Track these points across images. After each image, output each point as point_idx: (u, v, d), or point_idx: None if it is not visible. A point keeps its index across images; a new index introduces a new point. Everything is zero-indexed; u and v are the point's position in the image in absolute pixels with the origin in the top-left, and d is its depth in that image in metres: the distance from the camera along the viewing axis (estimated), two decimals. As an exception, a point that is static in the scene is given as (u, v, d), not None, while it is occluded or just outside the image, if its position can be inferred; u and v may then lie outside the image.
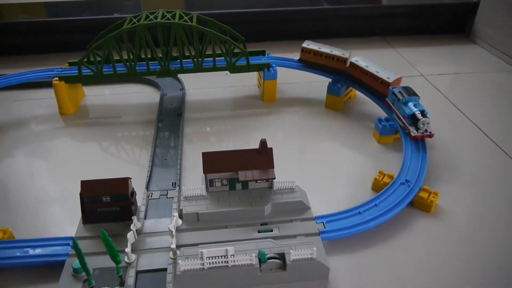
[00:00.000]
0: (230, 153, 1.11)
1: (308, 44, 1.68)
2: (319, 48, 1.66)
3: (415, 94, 1.37)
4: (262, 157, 1.11)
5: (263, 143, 1.10)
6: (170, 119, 1.59)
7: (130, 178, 1.06)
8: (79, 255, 0.86)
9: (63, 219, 1.15)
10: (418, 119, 1.29)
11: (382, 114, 1.52)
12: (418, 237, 1.09)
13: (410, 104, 1.34)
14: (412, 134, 1.30)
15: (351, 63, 1.61)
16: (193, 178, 1.29)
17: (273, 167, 1.11)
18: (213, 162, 1.10)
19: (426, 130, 1.31)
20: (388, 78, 1.49)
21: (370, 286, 0.97)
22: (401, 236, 1.10)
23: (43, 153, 1.44)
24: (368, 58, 1.60)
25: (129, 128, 1.58)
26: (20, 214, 1.18)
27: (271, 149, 1.12)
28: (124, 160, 1.42)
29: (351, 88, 1.72)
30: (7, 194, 1.26)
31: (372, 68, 1.54)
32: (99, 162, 1.40)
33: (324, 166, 1.37)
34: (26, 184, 1.30)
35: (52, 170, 1.36)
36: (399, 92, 1.38)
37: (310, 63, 1.70)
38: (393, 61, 2.16)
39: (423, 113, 1.30)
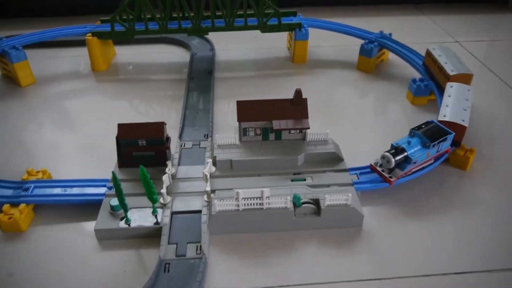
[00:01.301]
0: (265, 102, 1.10)
1: (434, 48, 1.44)
2: (439, 55, 1.40)
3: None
4: (297, 107, 1.10)
5: (298, 92, 1.09)
6: (200, 77, 1.59)
7: (165, 124, 1.07)
8: (118, 189, 0.87)
9: (98, 165, 1.17)
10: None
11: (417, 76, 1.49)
12: (451, 193, 1.07)
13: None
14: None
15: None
16: (224, 133, 1.29)
17: (307, 117, 1.10)
18: (247, 110, 1.09)
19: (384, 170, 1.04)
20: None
21: (402, 237, 0.96)
22: (434, 192, 1.08)
23: (76, 107, 1.47)
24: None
25: (159, 86, 1.59)
26: (57, 159, 1.20)
27: (305, 99, 1.10)
28: (153, 118, 1.43)
29: (383, 50, 1.68)
30: (44, 142, 1.29)
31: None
32: (130, 120, 1.40)
33: (356, 124, 1.35)
34: (61, 134, 1.32)
35: (84, 124, 1.38)
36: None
37: (428, 67, 1.46)
38: (426, 27, 2.11)
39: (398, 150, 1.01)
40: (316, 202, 0.95)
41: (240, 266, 0.89)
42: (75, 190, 1.03)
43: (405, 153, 1.00)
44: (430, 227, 0.98)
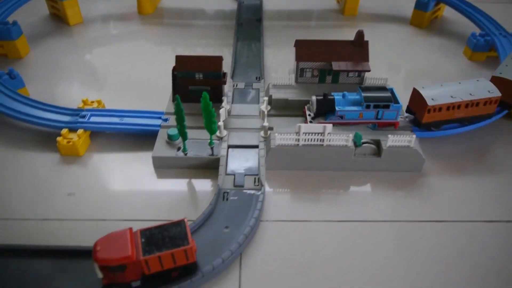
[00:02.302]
0: (324, 42, 1.07)
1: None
2: None
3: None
4: (357, 49, 1.07)
5: (360, 33, 1.05)
6: (249, 24, 1.56)
7: (223, 59, 1.04)
8: (180, 115, 0.87)
9: (150, 100, 1.15)
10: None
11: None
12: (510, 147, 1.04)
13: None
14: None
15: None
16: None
17: (368, 60, 1.06)
18: (306, 50, 1.06)
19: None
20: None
21: (462, 184, 0.93)
22: (496, 144, 1.04)
23: (122, 50, 1.46)
24: None
25: (205, 32, 1.56)
26: (110, 92, 1.20)
27: (367, 42, 1.07)
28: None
29: (440, 5, 1.61)
30: (95, 77, 1.29)
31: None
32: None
33: (408, 80, 1.31)
34: (110, 72, 1.32)
35: (131, 64, 1.36)
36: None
37: None
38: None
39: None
40: (376, 143, 0.93)
41: (294, 201, 0.89)
42: (131, 120, 1.03)
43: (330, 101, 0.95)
44: (490, 177, 0.95)
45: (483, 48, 1.36)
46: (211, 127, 0.91)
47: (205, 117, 0.89)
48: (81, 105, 1.08)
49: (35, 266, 0.71)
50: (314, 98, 0.97)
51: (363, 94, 0.95)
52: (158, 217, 0.83)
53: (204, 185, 0.91)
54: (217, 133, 0.97)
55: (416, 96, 0.97)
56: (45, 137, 1.02)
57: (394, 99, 0.96)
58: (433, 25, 1.61)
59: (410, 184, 0.92)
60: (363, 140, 0.92)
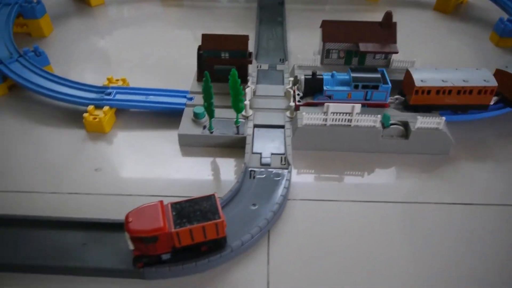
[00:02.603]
0: (352, 23, 1.06)
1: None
2: None
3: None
4: (385, 31, 1.05)
5: (388, 14, 1.04)
6: (271, 7, 1.54)
7: (249, 38, 1.04)
8: (208, 92, 0.86)
9: (174, 79, 1.15)
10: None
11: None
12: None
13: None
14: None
15: None
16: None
17: (395, 42, 1.05)
18: (333, 31, 1.05)
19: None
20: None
21: (491, 168, 0.92)
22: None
23: (142, 32, 1.45)
24: None
25: (225, 15, 1.55)
26: (134, 71, 1.20)
27: (395, 23, 1.05)
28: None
29: (465, -10, 1.58)
30: (119, 56, 1.29)
31: None
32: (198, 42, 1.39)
33: (434, 63, 1.28)
34: (133, 52, 1.31)
35: (152, 46, 1.36)
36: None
37: None
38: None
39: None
40: (404, 124, 0.92)
41: (321, 181, 0.89)
42: (155, 99, 1.03)
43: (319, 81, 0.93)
44: (521, 162, 0.94)
45: (511, 34, 1.33)
46: (238, 106, 0.91)
47: (233, 95, 0.89)
48: (106, 82, 1.08)
49: (68, 238, 0.72)
50: (302, 77, 0.95)
51: (352, 74, 0.93)
52: (184, 194, 0.83)
53: (229, 164, 0.91)
54: (243, 112, 0.97)
55: (407, 77, 0.95)
56: (72, 114, 1.02)
57: (384, 80, 0.93)
58: (458, 11, 1.58)
59: (437, 166, 0.91)
60: (391, 122, 0.91)
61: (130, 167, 0.91)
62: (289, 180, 0.83)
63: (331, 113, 0.88)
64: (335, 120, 0.89)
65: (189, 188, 0.85)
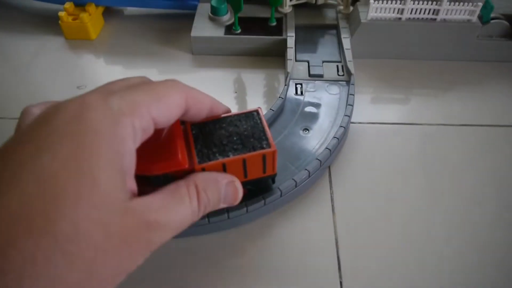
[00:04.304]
0: None
1: None
2: None
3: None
4: None
5: None
6: None
7: None
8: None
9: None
10: None
11: None
12: None
13: None
14: None
15: None
16: None
17: None
18: None
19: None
20: None
21: None
22: None
23: None
24: None
25: None
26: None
27: None
28: None
29: None
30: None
31: None
32: None
33: None
34: None
35: None
36: None
37: None
38: None
39: None
40: (510, 19, 0.65)
41: (387, 100, 0.63)
42: (160, -6, 0.75)
43: None
44: None
45: None
46: (274, -4, 0.64)
47: (268, -22, 0.62)
48: (89, -26, 0.80)
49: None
50: None
51: None
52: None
53: (263, 77, 0.66)
54: (280, 8, 0.70)
55: None
56: (44, 17, 0.76)
57: None
58: None
59: (551, 80, 0.66)
60: (493, 15, 0.64)
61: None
62: (353, 95, 0.58)
63: (411, 0, 0.61)
64: (416, 12, 0.62)
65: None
